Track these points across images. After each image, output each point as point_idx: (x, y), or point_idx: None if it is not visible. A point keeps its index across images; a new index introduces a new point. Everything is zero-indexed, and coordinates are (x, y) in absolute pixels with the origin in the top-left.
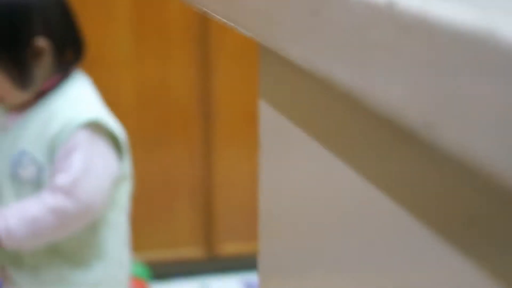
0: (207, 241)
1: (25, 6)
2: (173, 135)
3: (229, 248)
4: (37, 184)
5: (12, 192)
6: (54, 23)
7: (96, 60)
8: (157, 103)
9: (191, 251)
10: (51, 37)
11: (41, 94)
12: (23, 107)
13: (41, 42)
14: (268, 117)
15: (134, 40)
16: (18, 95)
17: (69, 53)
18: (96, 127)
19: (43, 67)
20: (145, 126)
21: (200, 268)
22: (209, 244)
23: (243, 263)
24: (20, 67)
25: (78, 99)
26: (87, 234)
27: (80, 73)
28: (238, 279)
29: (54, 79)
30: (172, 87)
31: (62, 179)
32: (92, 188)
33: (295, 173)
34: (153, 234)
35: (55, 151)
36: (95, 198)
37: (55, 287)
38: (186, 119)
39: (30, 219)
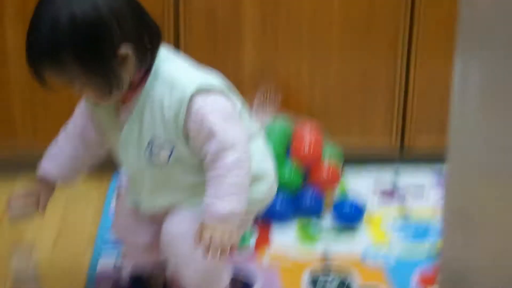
0: (400, 132)
1: (103, 22)
2: (375, 33)
3: (422, 140)
4: (175, 162)
5: (150, 174)
6: (129, 26)
7: None
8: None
9: (384, 141)
10: (131, 41)
11: (135, 85)
12: (126, 100)
13: (124, 49)
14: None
15: None
16: (110, 98)
17: (149, 43)
18: (201, 91)
19: (129, 69)
20: (349, 21)
21: (392, 157)
22: (402, 135)
23: (435, 156)
24: (109, 76)
25: (173, 80)
26: None
27: (161, 49)
28: (429, 171)
29: (142, 69)
30: None
31: (213, 145)
32: (237, 127)
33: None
34: (348, 120)
35: (180, 127)
36: (244, 133)
37: None
38: (390, 18)
39: (232, 189)
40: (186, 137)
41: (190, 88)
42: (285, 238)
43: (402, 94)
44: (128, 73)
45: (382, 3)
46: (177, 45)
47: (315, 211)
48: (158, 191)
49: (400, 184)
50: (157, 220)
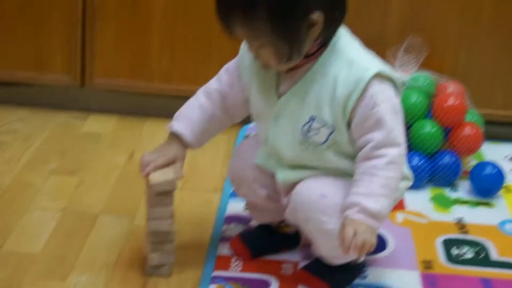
0: None
1: None
2: None
3: None
4: (328, 145)
5: (306, 156)
6: None
7: None
8: None
9: None
10: (324, 10)
11: (308, 57)
12: (291, 71)
13: (315, 16)
14: None
15: None
16: (287, 63)
17: (338, 17)
18: (379, 77)
19: (312, 38)
20: None
21: None
22: None
23: None
24: (294, 40)
25: (354, 59)
26: None
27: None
28: None
29: (318, 43)
30: None
31: (379, 136)
32: (402, 126)
33: None
34: (491, 88)
35: (347, 112)
36: (404, 132)
37: None
38: None
39: (385, 189)
40: (349, 120)
41: (371, 70)
42: (419, 203)
43: None
44: (309, 41)
45: None
46: None
47: (452, 174)
48: (300, 167)
49: None
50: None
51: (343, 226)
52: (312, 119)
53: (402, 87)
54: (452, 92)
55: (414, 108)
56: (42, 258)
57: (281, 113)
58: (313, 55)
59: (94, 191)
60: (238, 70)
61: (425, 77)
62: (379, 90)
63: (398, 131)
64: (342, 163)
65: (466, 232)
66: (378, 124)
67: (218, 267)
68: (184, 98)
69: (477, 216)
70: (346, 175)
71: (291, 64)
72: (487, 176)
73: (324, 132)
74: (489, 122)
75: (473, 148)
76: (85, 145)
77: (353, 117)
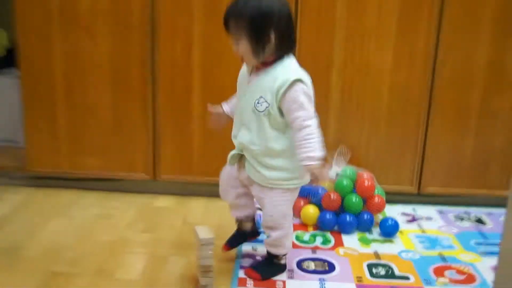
0: (417, 181)
1: (273, 13)
2: (407, 113)
3: (433, 188)
4: (265, 114)
5: (253, 119)
6: (282, 27)
7: None
8: None
9: (404, 187)
10: (278, 34)
11: (266, 64)
12: (258, 70)
13: (272, 35)
14: None
15: None
16: (252, 61)
17: (286, 46)
18: (300, 79)
19: (269, 49)
20: (394, 108)
21: (410, 200)
22: (418, 183)
23: (440, 199)
24: (259, 45)
25: (290, 68)
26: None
27: (290, 56)
28: (435, 209)
29: (274, 56)
30: None
31: (303, 113)
32: (312, 105)
33: None
34: (387, 175)
35: (278, 98)
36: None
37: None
38: (415, 107)
39: (318, 143)
40: (279, 103)
41: (294, 75)
42: (351, 242)
43: (421, 157)
44: (267, 50)
45: (410, 95)
46: None
47: (369, 225)
48: (249, 128)
49: (417, 214)
50: (244, 186)
51: (313, 171)
52: (260, 97)
53: (311, 84)
54: (366, 177)
55: (345, 188)
56: (138, 284)
57: (247, 92)
58: (270, 64)
59: (165, 241)
60: (240, 75)
61: (350, 169)
62: (298, 87)
63: (312, 109)
64: (271, 132)
65: (379, 259)
66: (300, 107)
67: (239, 284)
68: (212, 185)
69: (385, 249)
70: (274, 150)
71: (255, 62)
72: (389, 225)
73: (264, 105)
74: (387, 193)
75: (380, 209)
76: (157, 214)
77: (283, 101)
